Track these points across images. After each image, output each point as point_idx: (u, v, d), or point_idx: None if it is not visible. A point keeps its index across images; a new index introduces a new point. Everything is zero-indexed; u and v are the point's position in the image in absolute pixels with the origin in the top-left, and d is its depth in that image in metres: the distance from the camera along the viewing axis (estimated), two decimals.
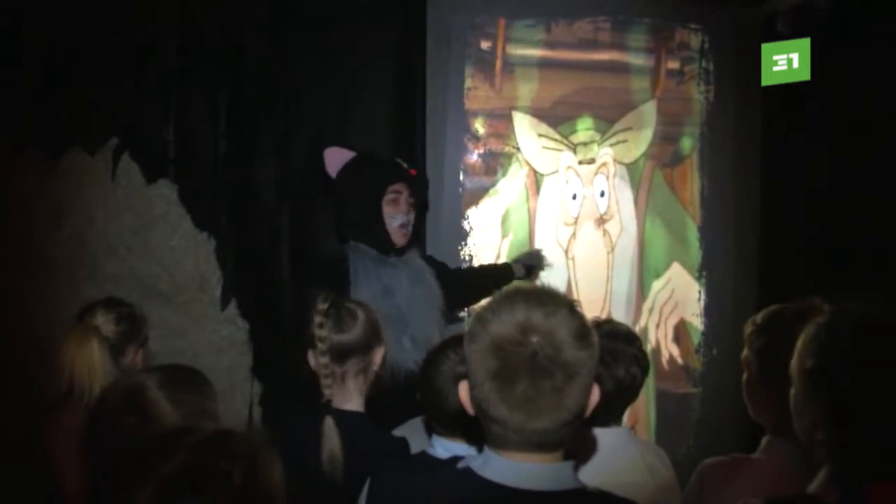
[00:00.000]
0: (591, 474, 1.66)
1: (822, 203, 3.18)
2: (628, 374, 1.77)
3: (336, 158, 2.74)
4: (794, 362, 1.24)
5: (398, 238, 2.66)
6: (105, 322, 2.13)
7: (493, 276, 3.00)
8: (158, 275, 2.95)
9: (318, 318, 1.87)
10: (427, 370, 1.69)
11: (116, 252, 2.92)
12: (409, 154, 3.19)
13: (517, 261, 3.14)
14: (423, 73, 3.20)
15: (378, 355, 1.96)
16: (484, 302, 1.22)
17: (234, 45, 3.03)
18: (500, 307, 1.16)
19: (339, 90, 3.14)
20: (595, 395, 1.18)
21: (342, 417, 1.85)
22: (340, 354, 1.89)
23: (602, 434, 1.78)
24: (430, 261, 2.81)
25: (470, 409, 1.20)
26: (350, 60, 3.14)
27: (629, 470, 1.74)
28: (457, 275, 2.94)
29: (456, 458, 1.43)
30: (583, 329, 1.15)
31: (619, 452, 1.77)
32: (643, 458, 1.78)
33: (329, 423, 1.79)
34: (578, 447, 1.77)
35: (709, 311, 3.49)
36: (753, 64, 2.83)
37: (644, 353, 1.85)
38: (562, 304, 1.16)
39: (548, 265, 3.22)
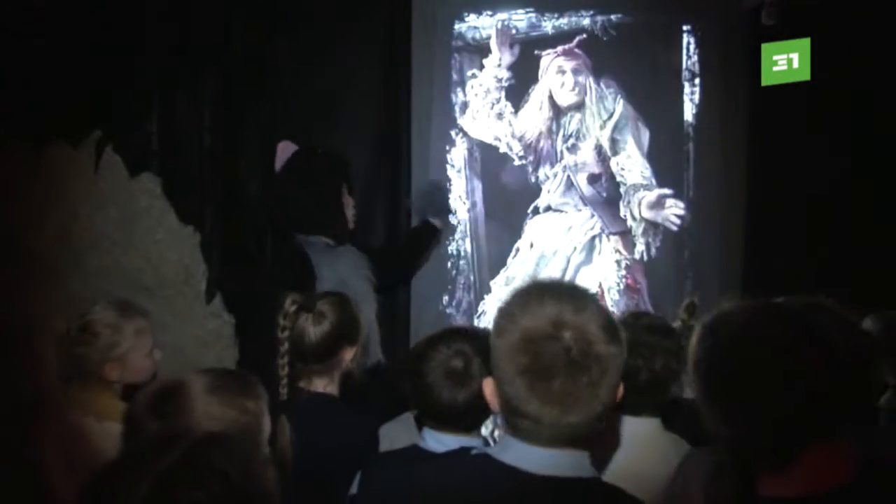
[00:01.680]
0: (618, 461, 1.68)
1: (808, 202, 3.21)
2: (665, 367, 1.79)
3: (284, 152, 2.83)
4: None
5: (350, 226, 2.80)
6: None
7: (418, 241, 3.08)
8: (143, 269, 2.93)
9: (282, 322, 1.88)
10: (418, 365, 1.68)
11: (100, 246, 2.89)
12: (394, 148, 3.20)
13: (423, 215, 3.06)
14: (408, 65, 3.20)
15: (348, 354, 1.97)
16: (509, 297, 1.21)
17: (218, 37, 3.01)
18: (527, 302, 1.16)
19: (324, 83, 3.14)
20: (620, 390, 1.19)
21: (310, 398, 1.89)
22: (301, 357, 1.91)
23: (634, 423, 1.79)
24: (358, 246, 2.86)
25: (495, 406, 1.20)
26: (335, 54, 3.14)
27: (655, 461, 1.75)
28: (383, 252, 3.00)
29: (465, 449, 1.43)
30: (610, 324, 1.16)
31: (648, 442, 1.79)
32: (671, 450, 1.79)
33: (282, 420, 1.80)
34: (609, 434, 1.78)
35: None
36: (741, 62, 2.84)
37: (681, 348, 1.83)
38: (589, 299, 1.17)
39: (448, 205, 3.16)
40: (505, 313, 1.17)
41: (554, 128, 3.37)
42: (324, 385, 1.96)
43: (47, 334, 1.78)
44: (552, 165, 3.38)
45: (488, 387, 1.20)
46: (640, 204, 3.38)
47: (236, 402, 1.40)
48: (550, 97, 3.36)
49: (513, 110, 3.35)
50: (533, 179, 3.40)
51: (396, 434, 1.97)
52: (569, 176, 3.38)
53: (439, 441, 1.65)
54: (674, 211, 3.40)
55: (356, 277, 2.67)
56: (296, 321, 1.90)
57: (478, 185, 3.37)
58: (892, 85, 2.98)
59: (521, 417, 1.14)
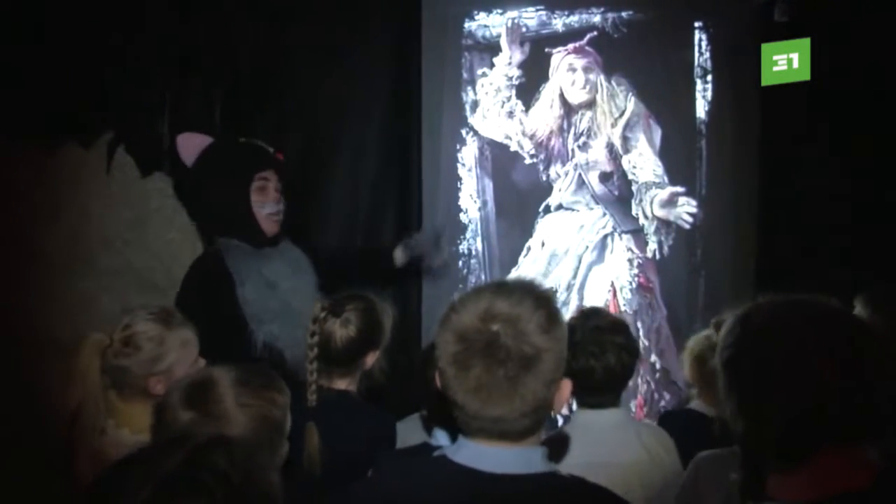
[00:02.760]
0: (584, 454, 1.71)
1: (820, 201, 3.19)
2: (619, 361, 1.84)
3: (191, 145, 2.52)
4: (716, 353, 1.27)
5: (269, 227, 2.49)
6: None
7: (364, 262, 2.84)
8: (155, 268, 2.95)
9: (311, 327, 1.89)
10: (425, 370, 1.70)
11: (112, 246, 2.91)
12: (405, 147, 3.20)
13: (403, 245, 2.78)
14: (418, 64, 3.20)
15: (371, 359, 1.99)
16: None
17: (229, 37, 3.02)
18: (470, 297, 1.19)
19: (334, 83, 3.14)
20: (566, 389, 1.19)
21: (329, 394, 1.91)
22: (326, 360, 1.93)
23: (597, 416, 1.85)
24: (307, 249, 2.63)
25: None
26: (345, 53, 3.14)
27: (624, 449, 1.81)
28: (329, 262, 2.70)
29: (433, 447, 1.45)
30: (548, 321, 1.15)
31: (615, 432, 1.84)
32: (639, 438, 1.84)
33: (311, 427, 1.81)
34: (573, 429, 1.82)
35: (707, 309, 3.49)
36: (752, 61, 2.81)
37: (632, 340, 1.92)
38: (529, 294, 1.17)
39: (442, 257, 2.85)
40: (451, 306, 1.20)
41: (565, 126, 3.36)
42: (345, 384, 1.98)
43: (91, 346, 1.79)
44: (563, 164, 3.37)
45: (438, 377, 1.20)
46: (652, 202, 3.36)
47: (266, 395, 1.44)
48: (561, 95, 3.35)
49: (523, 108, 3.34)
50: (544, 178, 3.38)
51: (407, 432, 1.99)
52: (580, 174, 3.37)
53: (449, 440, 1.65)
54: (686, 209, 3.38)
55: (289, 280, 2.44)
56: (324, 325, 1.91)
57: (489, 184, 3.37)
58: (893, 85, 2.95)
59: (455, 407, 1.17)
